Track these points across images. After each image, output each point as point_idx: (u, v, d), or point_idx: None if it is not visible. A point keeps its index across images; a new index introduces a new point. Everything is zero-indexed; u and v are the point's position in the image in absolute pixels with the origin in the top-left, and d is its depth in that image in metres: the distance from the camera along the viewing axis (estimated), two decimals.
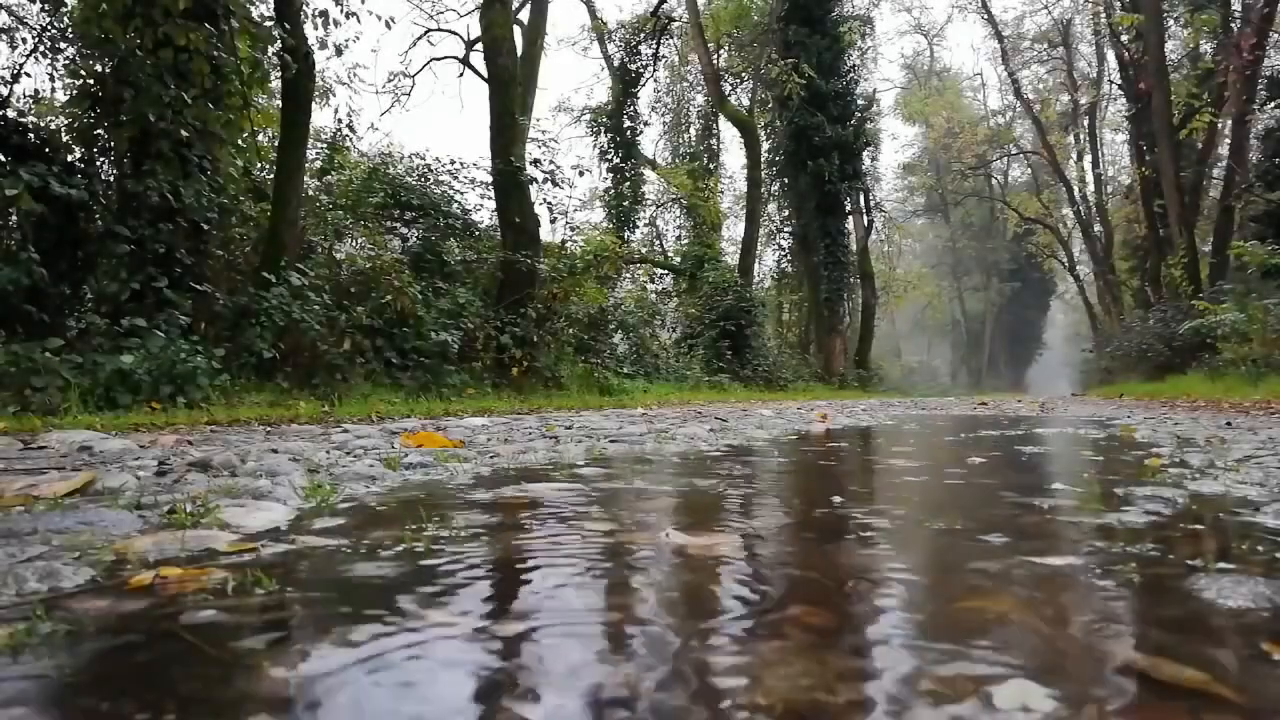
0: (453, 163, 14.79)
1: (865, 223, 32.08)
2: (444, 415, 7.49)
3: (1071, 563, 1.34)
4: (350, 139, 14.59)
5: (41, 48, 8.64)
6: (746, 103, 29.56)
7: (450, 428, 5.22)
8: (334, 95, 15.52)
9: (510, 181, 12.76)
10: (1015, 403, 15.46)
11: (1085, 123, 35.87)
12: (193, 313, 7.69)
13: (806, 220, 28.08)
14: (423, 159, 14.79)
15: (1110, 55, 31.90)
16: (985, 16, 35.79)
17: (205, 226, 8.18)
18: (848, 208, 29.30)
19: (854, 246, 30.32)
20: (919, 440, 4.78)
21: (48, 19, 8.71)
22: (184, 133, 7.78)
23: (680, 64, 31.13)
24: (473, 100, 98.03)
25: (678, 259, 27.52)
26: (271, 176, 10.33)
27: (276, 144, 10.62)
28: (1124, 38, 25.81)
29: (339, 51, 10.06)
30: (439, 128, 76.58)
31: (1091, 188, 36.80)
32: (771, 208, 31.80)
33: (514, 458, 3.22)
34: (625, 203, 27.37)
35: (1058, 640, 0.95)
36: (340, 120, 15.87)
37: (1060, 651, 0.91)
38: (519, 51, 15.12)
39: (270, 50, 9.26)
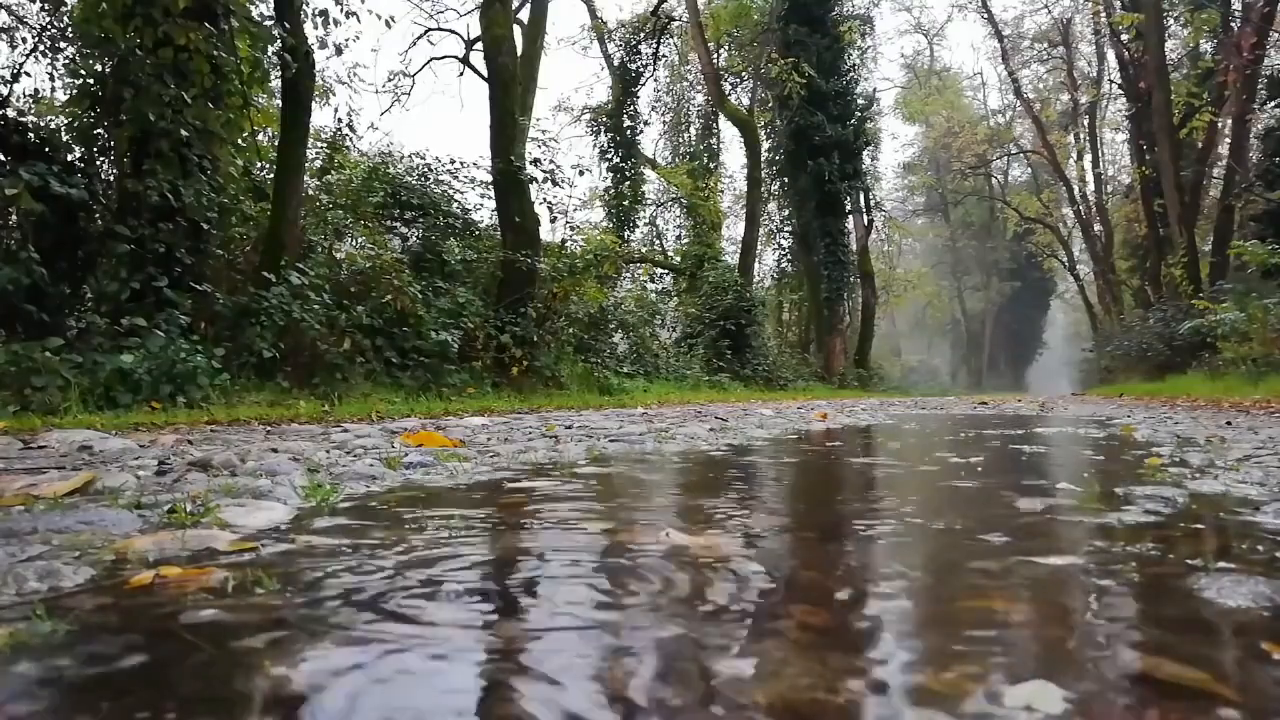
0: (453, 162, 14.78)
1: (865, 222, 32.04)
2: (444, 415, 7.49)
3: (1072, 562, 1.34)
4: (350, 138, 14.57)
5: (41, 47, 8.63)
6: (746, 102, 29.57)
7: (450, 427, 5.22)
8: (334, 95, 15.50)
9: (510, 181, 12.75)
10: (1015, 402, 15.46)
11: (1085, 122, 35.84)
12: (193, 312, 7.69)
13: (806, 220, 28.06)
14: (423, 158, 14.78)
15: (1110, 54, 31.89)
16: (985, 16, 35.73)
17: (205, 226, 8.17)
18: (848, 207, 29.28)
19: (854, 246, 30.29)
20: (919, 440, 4.78)
21: (48, 18, 8.71)
22: (184, 132, 7.77)
23: (680, 64, 31.14)
24: (473, 100, 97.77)
25: (678, 258, 27.51)
26: (271, 176, 10.33)
27: (276, 144, 10.61)
28: (1124, 37, 25.79)
29: (339, 51, 10.07)
30: (439, 127, 76.55)
31: (1091, 187, 36.83)
32: (771, 207, 31.79)
33: (514, 457, 3.22)
34: (625, 202, 27.37)
35: (1058, 640, 0.95)
36: (340, 120, 15.82)
37: (1061, 651, 0.91)
38: (519, 51, 15.10)
39: (270, 50, 9.26)
